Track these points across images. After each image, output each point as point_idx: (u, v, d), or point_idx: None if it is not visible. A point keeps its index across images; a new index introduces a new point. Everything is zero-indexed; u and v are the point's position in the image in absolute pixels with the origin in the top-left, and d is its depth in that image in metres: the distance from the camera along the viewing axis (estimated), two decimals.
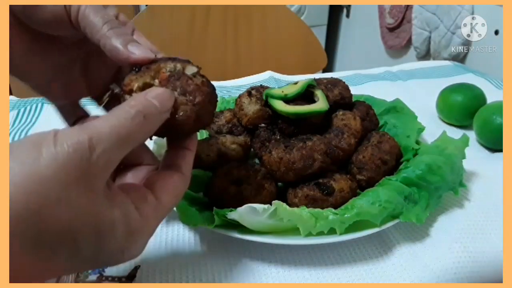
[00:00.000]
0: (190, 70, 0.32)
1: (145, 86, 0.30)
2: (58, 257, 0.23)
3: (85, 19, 0.29)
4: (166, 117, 0.28)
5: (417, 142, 0.51)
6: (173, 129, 0.30)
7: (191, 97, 0.30)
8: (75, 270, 0.26)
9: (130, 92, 0.31)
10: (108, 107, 0.37)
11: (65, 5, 0.29)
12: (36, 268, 0.22)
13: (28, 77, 0.33)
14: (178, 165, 0.31)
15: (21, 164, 0.21)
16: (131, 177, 0.33)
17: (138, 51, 0.30)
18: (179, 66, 0.32)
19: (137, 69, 0.31)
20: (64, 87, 0.35)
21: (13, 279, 0.21)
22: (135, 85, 0.30)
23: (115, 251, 0.25)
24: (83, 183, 0.22)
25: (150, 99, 0.27)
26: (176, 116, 0.29)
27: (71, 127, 0.24)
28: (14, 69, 0.32)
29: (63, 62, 0.34)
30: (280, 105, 0.49)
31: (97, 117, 0.29)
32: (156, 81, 0.31)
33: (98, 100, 0.38)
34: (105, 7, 0.31)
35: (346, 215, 0.40)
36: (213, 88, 0.33)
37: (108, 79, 0.37)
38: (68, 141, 0.22)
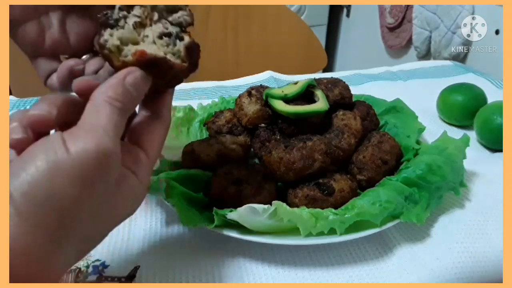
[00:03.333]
0: (179, 13, 0.31)
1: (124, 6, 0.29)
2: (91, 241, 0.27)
3: None
4: (141, 99, 0.28)
5: (418, 142, 0.51)
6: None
7: (166, 81, 0.30)
8: (97, 242, 0.28)
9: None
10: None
11: None
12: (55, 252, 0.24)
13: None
14: (158, 111, 0.31)
15: (47, 197, 0.22)
16: None
17: None
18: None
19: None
20: (39, 33, 0.33)
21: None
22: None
23: (125, 215, 0.29)
24: (106, 185, 0.25)
25: (128, 87, 0.27)
26: (150, 89, 0.29)
27: (76, 132, 0.24)
28: None
29: (43, 5, 0.33)
30: (280, 105, 0.49)
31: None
32: (135, 47, 0.29)
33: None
34: None
35: (346, 215, 0.40)
36: (194, 62, 0.31)
37: (89, 41, 0.36)
38: (86, 155, 0.23)
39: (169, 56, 0.29)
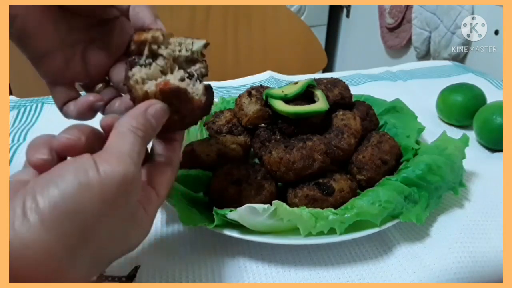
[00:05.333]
0: (198, 44, 0.34)
1: (154, 40, 0.32)
2: (101, 269, 0.28)
3: None
4: (159, 130, 0.31)
5: (417, 142, 0.51)
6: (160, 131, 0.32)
7: (182, 117, 0.33)
8: (103, 267, 0.30)
9: (139, 43, 0.32)
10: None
11: None
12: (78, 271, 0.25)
13: (33, 44, 0.33)
14: (170, 158, 0.34)
15: (75, 212, 0.23)
16: None
17: (162, 25, 0.32)
18: (189, 40, 0.33)
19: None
20: (61, 63, 0.35)
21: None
22: (143, 36, 0.32)
23: (132, 246, 0.31)
24: (125, 210, 0.27)
25: (150, 118, 0.29)
26: (165, 125, 0.31)
27: (107, 159, 0.26)
28: (21, 33, 0.32)
29: (68, 38, 0.35)
30: (280, 105, 0.49)
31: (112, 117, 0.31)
32: (159, 79, 0.32)
33: (88, 89, 0.38)
34: None
35: (346, 215, 0.40)
36: (209, 104, 0.34)
37: (105, 70, 0.38)
38: (114, 178, 0.25)
39: (189, 90, 0.32)
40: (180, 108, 0.32)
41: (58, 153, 0.27)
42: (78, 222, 0.23)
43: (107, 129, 0.30)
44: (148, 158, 0.35)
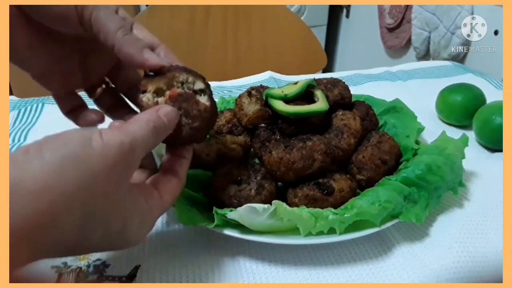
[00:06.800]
0: (199, 85, 0.36)
1: (158, 91, 0.35)
2: (94, 236, 0.27)
3: (98, 23, 0.31)
4: (171, 131, 0.33)
5: (417, 142, 0.51)
6: (170, 140, 0.34)
7: (190, 121, 0.35)
8: (101, 250, 0.30)
9: (144, 92, 0.35)
10: (99, 101, 0.40)
11: (76, 6, 0.31)
12: (74, 243, 0.26)
13: (29, 66, 0.34)
14: (177, 171, 0.36)
15: (75, 160, 0.24)
16: (137, 177, 0.37)
17: (151, 57, 0.33)
18: (190, 78, 0.35)
19: (151, 73, 0.35)
20: (62, 78, 0.36)
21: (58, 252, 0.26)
22: (149, 88, 0.34)
23: (129, 237, 0.30)
24: (122, 179, 0.28)
25: (161, 116, 0.31)
26: (175, 131, 0.34)
27: (111, 128, 0.28)
28: (16, 58, 0.33)
29: (62, 54, 0.36)
30: (280, 105, 0.49)
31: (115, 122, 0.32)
32: (167, 92, 0.34)
33: (90, 92, 0.40)
34: (115, 10, 0.33)
35: (346, 215, 0.40)
36: (214, 112, 0.37)
37: (104, 73, 0.39)
38: (114, 142, 0.26)
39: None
40: (189, 111, 0.35)
41: None
42: (78, 174, 0.24)
43: None
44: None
